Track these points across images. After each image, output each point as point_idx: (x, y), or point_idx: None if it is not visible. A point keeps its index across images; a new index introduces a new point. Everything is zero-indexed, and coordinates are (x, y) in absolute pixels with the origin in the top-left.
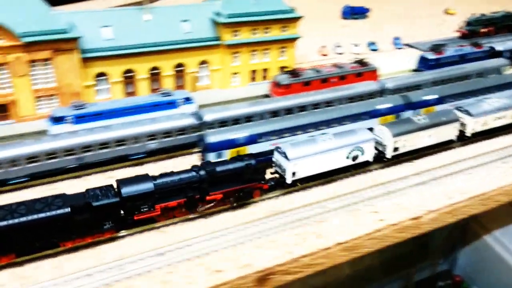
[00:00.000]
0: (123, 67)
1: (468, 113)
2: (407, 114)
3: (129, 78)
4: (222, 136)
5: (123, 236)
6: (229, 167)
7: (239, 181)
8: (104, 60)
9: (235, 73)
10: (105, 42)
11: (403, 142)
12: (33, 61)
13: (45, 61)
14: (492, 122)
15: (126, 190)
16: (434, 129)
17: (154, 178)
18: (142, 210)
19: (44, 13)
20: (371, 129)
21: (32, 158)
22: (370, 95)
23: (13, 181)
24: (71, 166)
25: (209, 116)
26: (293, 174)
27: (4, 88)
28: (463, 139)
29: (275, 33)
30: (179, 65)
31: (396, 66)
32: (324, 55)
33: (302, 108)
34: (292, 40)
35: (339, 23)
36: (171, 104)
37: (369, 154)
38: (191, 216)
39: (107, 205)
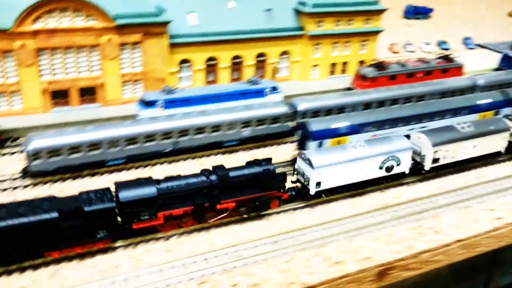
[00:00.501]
0: (207, 54)
1: None
2: (506, 111)
3: (211, 67)
4: (325, 125)
5: (228, 223)
6: (245, 172)
7: (255, 189)
8: (189, 47)
9: (315, 65)
10: (191, 28)
11: (443, 153)
12: (123, 44)
13: (134, 45)
14: None
15: (124, 195)
16: (481, 139)
17: (157, 181)
18: (142, 218)
19: None
20: (408, 137)
21: (131, 139)
22: (462, 91)
23: (111, 163)
24: (166, 151)
25: (303, 105)
26: (318, 184)
27: (94, 70)
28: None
29: (358, 25)
30: (260, 54)
31: (474, 64)
32: (395, 52)
33: (395, 101)
34: (375, 33)
35: (401, 22)
36: (259, 93)
37: (405, 165)
38: (198, 226)
39: (101, 211)
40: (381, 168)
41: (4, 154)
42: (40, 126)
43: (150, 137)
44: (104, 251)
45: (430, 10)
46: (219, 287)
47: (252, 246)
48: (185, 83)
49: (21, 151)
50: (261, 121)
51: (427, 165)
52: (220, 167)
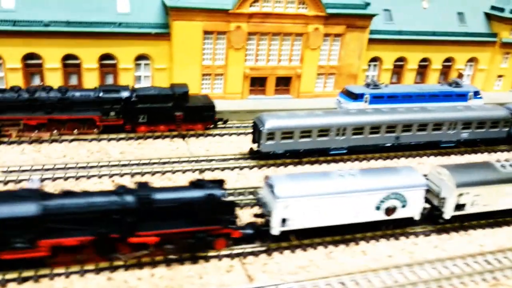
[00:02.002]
0: (397, 54)
1: None
2: None
3: (397, 67)
4: None
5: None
6: (178, 195)
7: (192, 221)
8: (382, 44)
9: (500, 76)
10: (385, 25)
11: (473, 198)
12: (327, 35)
13: (335, 37)
14: None
15: None
16: None
17: (46, 196)
18: (14, 245)
19: None
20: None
21: (357, 129)
22: None
23: (334, 152)
24: (388, 145)
25: None
26: (283, 221)
27: (293, 60)
28: None
29: None
30: (447, 59)
31: None
32: None
33: None
34: None
35: None
36: (462, 97)
37: (414, 208)
38: (105, 265)
39: None
40: (378, 208)
41: (216, 135)
42: (236, 111)
43: (375, 128)
44: None
45: None
46: None
47: None
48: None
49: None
50: (481, 123)
51: (448, 212)
52: (143, 185)
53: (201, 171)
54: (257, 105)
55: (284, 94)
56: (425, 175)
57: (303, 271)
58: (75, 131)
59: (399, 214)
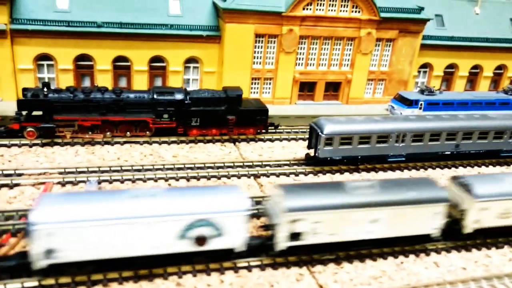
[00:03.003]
0: (447, 60)
1: None
2: None
3: (447, 74)
4: None
5: None
6: None
7: None
8: (432, 50)
9: None
10: (435, 31)
11: (312, 225)
12: (379, 39)
13: (387, 42)
14: None
15: None
16: None
17: None
18: None
19: None
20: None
21: (417, 136)
22: None
23: (392, 159)
24: (447, 153)
25: None
26: (48, 252)
27: (344, 65)
28: None
29: None
30: (499, 67)
31: None
32: None
33: None
34: None
35: None
36: None
37: (234, 237)
38: None
39: None
40: (183, 237)
41: (267, 140)
42: (285, 116)
43: (435, 136)
44: None
45: None
46: None
47: None
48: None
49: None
50: None
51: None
52: None
53: (257, 176)
54: (306, 111)
55: (333, 99)
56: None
57: (376, 282)
58: (128, 133)
59: (214, 245)
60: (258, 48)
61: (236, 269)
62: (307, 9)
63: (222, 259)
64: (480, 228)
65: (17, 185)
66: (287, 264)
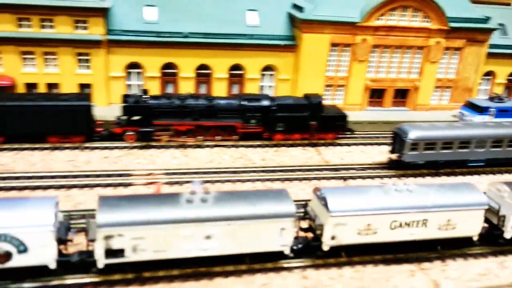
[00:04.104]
0: (510, 68)
1: None
2: None
3: (511, 82)
4: None
5: None
6: None
7: None
8: (496, 58)
9: None
10: (499, 39)
11: (133, 241)
12: (447, 48)
13: (455, 51)
14: None
15: None
16: None
17: None
18: None
19: (463, 0)
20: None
21: (496, 142)
22: None
23: (472, 164)
24: None
25: None
26: None
27: (412, 73)
28: None
29: None
30: None
31: None
32: None
33: None
34: None
35: None
36: None
37: (39, 254)
38: None
39: None
40: None
41: (344, 145)
42: (358, 122)
43: None
44: None
45: None
46: None
47: None
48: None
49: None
50: None
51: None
52: None
53: (344, 179)
54: (377, 117)
55: (401, 106)
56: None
57: (484, 278)
58: (218, 137)
59: (18, 262)
60: (332, 56)
61: (352, 264)
62: (380, 19)
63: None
64: (339, 245)
65: (130, 184)
66: (397, 260)
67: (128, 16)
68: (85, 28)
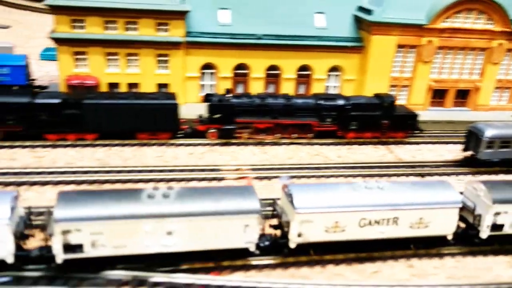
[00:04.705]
0: None
1: None
2: None
3: None
4: None
5: None
6: None
7: None
8: None
9: None
10: None
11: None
12: (509, 50)
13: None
14: None
15: None
16: None
17: None
18: None
19: None
20: None
21: None
22: None
23: None
24: None
25: None
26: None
27: (473, 74)
28: None
29: None
30: None
31: None
32: None
33: None
34: None
35: None
36: None
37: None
38: None
39: None
40: None
41: (413, 143)
42: (423, 122)
43: None
44: None
45: None
46: None
47: None
48: None
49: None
50: None
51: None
52: None
53: (422, 175)
54: (439, 116)
55: (461, 106)
56: None
57: None
58: (294, 135)
59: None
60: (398, 58)
61: (453, 254)
62: (445, 21)
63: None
64: (306, 242)
65: (222, 179)
66: (484, 252)
67: (204, 18)
68: (166, 30)
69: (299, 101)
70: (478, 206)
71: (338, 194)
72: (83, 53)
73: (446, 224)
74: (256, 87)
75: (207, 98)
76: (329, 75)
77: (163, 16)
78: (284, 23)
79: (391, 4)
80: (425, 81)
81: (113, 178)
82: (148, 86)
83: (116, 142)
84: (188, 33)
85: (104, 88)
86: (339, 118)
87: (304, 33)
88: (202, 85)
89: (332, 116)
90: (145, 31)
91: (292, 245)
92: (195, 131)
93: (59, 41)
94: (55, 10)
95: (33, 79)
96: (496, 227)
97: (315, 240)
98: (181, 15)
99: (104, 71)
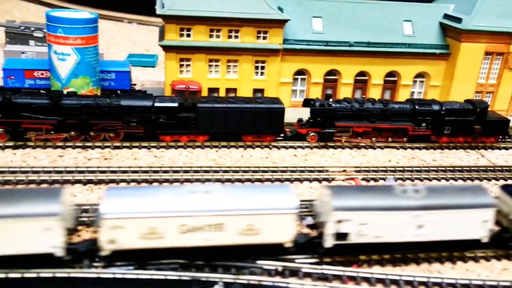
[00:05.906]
0: None
1: None
2: None
3: None
4: None
5: None
6: None
7: None
8: None
9: None
10: None
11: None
12: None
13: None
14: None
15: None
16: None
17: None
18: None
19: None
20: None
21: None
22: None
23: None
24: None
25: None
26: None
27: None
28: None
29: None
30: None
31: None
32: None
33: None
34: None
35: None
36: None
37: None
38: None
39: None
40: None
41: (502, 148)
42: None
43: None
44: None
45: None
46: None
47: None
48: None
49: None
50: None
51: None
52: None
53: None
54: None
55: None
56: None
57: None
58: (389, 139)
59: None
60: (485, 65)
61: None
62: None
63: None
64: (120, 249)
65: (332, 180)
66: None
67: (298, 26)
68: (265, 38)
69: (396, 106)
70: (322, 213)
71: (156, 198)
72: (188, 59)
73: (281, 232)
74: (345, 92)
75: (307, 103)
76: (414, 81)
77: (264, 25)
78: (374, 30)
79: (481, 12)
80: (510, 87)
81: (243, 178)
82: (245, 91)
83: (223, 144)
84: (285, 41)
85: (204, 93)
86: (433, 122)
87: (393, 40)
88: (293, 91)
89: (427, 121)
90: (246, 38)
91: (105, 252)
92: (295, 134)
93: (167, 48)
94: (167, 19)
95: (134, 84)
96: None
97: (130, 247)
98: (281, 23)
99: (206, 76)
